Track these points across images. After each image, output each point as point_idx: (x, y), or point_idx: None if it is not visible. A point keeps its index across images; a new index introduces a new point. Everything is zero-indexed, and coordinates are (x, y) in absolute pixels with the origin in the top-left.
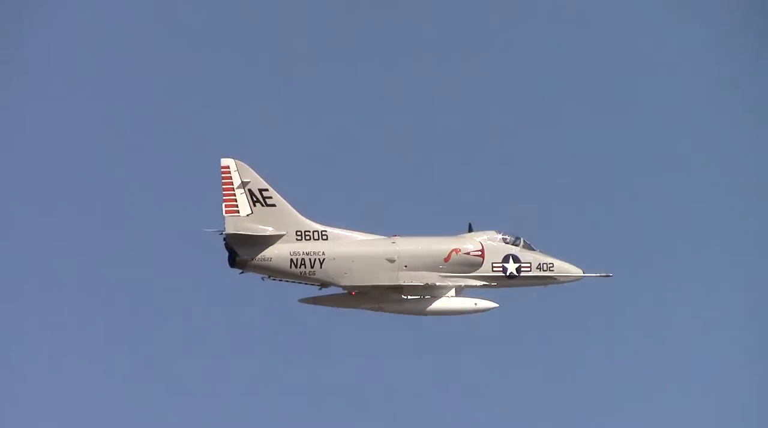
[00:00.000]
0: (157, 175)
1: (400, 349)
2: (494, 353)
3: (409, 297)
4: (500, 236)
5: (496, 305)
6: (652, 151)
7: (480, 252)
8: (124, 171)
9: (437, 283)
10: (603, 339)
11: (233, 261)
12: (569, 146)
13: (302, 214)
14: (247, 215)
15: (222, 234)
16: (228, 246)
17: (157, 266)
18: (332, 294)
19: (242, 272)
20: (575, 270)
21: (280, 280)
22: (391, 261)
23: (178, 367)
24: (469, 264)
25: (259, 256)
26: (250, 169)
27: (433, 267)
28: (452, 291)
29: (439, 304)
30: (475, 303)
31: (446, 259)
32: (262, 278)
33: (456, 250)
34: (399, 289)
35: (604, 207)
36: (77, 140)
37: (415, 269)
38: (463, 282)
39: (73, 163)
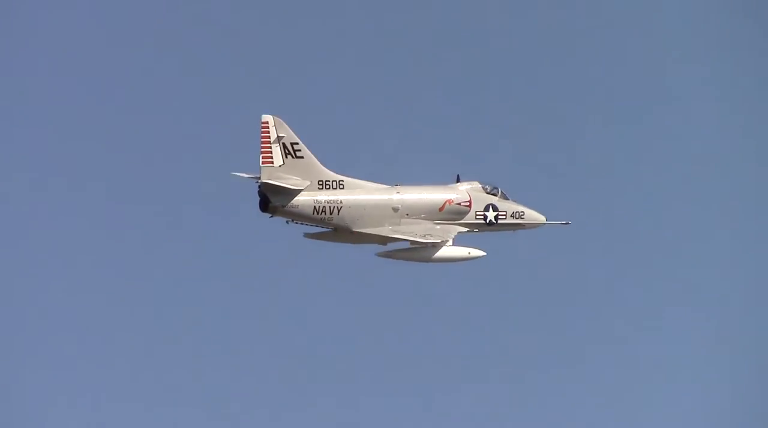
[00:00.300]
0: (201, 127)
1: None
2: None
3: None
4: (482, 186)
5: (485, 253)
6: (623, 110)
7: (468, 203)
8: (173, 123)
9: (440, 240)
10: (571, 281)
11: (266, 206)
12: (546, 103)
13: (323, 165)
14: (280, 166)
15: (258, 182)
16: (261, 193)
17: (195, 207)
18: (335, 231)
19: (272, 216)
20: (540, 218)
21: (301, 223)
22: (396, 210)
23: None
24: (459, 213)
25: (289, 204)
26: (285, 124)
27: (429, 216)
28: (450, 241)
29: (442, 252)
30: (469, 252)
31: (441, 209)
32: (287, 221)
33: (449, 201)
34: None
35: (572, 158)
36: (137, 91)
37: (415, 217)
38: (456, 230)
39: (134, 111)
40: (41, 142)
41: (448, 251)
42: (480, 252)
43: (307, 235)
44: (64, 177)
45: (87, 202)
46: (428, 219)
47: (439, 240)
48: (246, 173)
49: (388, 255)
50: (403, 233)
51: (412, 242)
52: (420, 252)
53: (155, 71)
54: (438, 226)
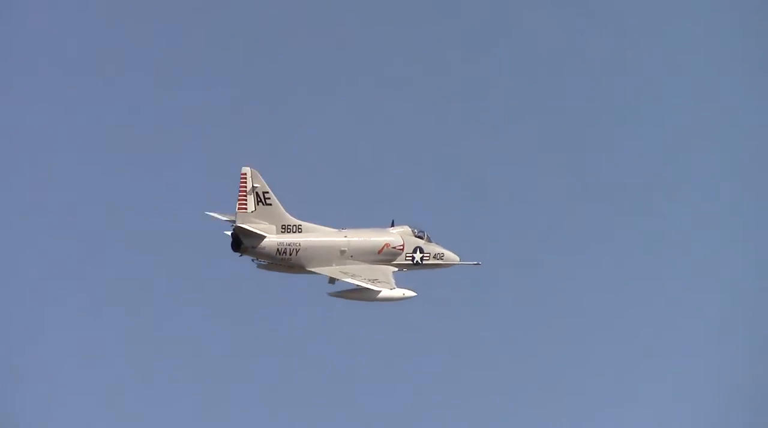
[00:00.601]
0: (185, 173)
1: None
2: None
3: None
4: (412, 230)
5: (416, 294)
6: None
7: (402, 246)
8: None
9: (388, 287)
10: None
11: (237, 247)
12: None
13: (286, 210)
14: (252, 212)
15: (233, 225)
16: (234, 235)
17: (173, 245)
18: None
19: (241, 255)
20: (456, 258)
21: (265, 262)
22: (343, 252)
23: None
24: (393, 255)
25: (258, 246)
26: (259, 175)
27: (369, 258)
28: (394, 285)
29: (384, 294)
30: (404, 293)
31: (379, 252)
32: (252, 260)
33: (387, 245)
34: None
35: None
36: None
37: (357, 258)
38: (390, 270)
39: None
40: (22, 181)
41: (388, 293)
42: (412, 293)
43: (260, 267)
44: (47, 208)
45: (68, 229)
46: (368, 261)
47: (388, 288)
48: (218, 213)
49: (339, 295)
50: (353, 276)
51: (363, 287)
52: (366, 294)
53: (148, 118)
54: (375, 266)
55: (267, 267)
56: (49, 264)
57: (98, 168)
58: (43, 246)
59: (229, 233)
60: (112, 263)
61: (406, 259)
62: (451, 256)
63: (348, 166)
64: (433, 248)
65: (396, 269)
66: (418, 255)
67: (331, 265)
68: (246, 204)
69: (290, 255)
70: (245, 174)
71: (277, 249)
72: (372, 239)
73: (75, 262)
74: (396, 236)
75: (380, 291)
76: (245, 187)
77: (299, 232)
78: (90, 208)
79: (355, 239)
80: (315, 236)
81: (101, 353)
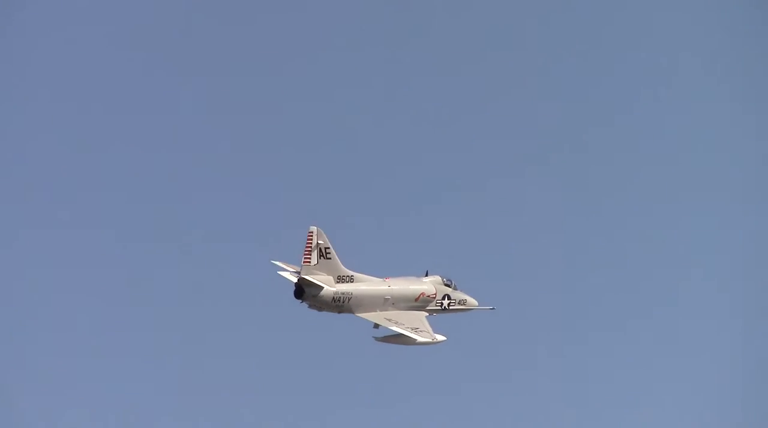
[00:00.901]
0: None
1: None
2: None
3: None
4: (443, 279)
5: (446, 338)
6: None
7: (434, 294)
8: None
9: (429, 338)
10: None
11: (300, 295)
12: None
13: (341, 262)
14: (314, 265)
15: (298, 276)
16: (298, 285)
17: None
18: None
19: (302, 302)
20: (475, 303)
21: (320, 308)
22: (386, 300)
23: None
24: (426, 302)
25: (318, 295)
26: (323, 233)
27: (406, 305)
28: (432, 333)
29: (422, 338)
30: (436, 338)
31: (416, 300)
32: (309, 306)
33: (423, 294)
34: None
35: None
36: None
37: (397, 305)
38: (423, 315)
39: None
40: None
41: (425, 338)
42: (443, 338)
43: (311, 307)
44: (117, 262)
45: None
46: (405, 307)
47: (429, 337)
48: (282, 262)
49: (384, 339)
50: (397, 324)
51: (405, 335)
52: (407, 339)
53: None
54: (411, 312)
55: (318, 309)
56: (119, 298)
57: (183, 211)
58: (116, 281)
59: (294, 280)
60: (185, 302)
61: (436, 305)
62: (471, 302)
63: (388, 216)
64: (458, 295)
65: (428, 314)
66: (446, 302)
67: (376, 311)
68: (310, 258)
69: (343, 302)
70: (312, 232)
71: (333, 298)
72: (410, 287)
73: (148, 296)
74: (429, 285)
75: (418, 339)
76: (311, 243)
77: (351, 282)
78: (170, 250)
79: (396, 288)
80: (364, 285)
81: (156, 374)
